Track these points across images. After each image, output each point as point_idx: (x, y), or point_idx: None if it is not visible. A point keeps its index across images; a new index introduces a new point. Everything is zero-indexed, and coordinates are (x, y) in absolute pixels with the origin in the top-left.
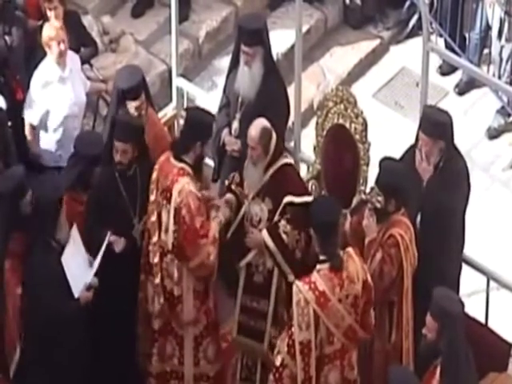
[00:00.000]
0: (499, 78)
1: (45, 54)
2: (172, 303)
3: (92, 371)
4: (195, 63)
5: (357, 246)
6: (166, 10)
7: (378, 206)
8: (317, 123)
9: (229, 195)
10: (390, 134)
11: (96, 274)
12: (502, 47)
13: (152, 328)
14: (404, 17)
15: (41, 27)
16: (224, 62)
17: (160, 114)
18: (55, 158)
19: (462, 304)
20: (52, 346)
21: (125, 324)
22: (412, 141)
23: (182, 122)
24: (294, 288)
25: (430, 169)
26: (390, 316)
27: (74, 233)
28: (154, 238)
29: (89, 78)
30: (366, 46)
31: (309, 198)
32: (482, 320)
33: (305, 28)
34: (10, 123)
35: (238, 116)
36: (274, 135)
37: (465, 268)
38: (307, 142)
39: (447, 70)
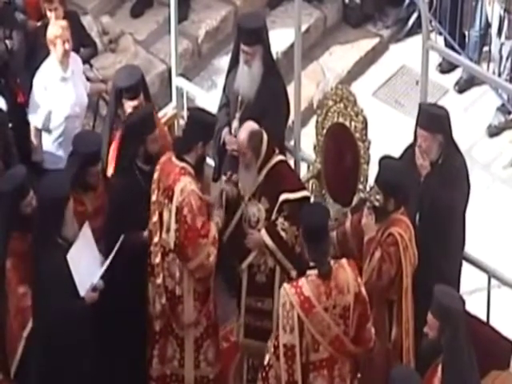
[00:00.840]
0: (499, 75)
1: (45, 56)
2: (173, 303)
3: (97, 371)
4: (195, 63)
5: (357, 244)
6: (165, 9)
7: (377, 204)
8: (317, 122)
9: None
10: (390, 133)
11: (104, 276)
12: (501, 45)
13: (153, 329)
14: (403, 15)
15: (41, 28)
16: (223, 61)
17: (160, 114)
18: (55, 160)
19: (463, 301)
20: (57, 344)
21: (133, 324)
22: (412, 139)
23: (182, 121)
24: (282, 290)
25: (426, 165)
26: (390, 315)
27: (86, 230)
28: (156, 239)
29: (88, 79)
30: (365, 45)
31: (304, 193)
32: (484, 318)
33: (304, 27)
34: (10, 125)
35: (237, 115)
36: (265, 136)
37: (466, 266)
38: (307, 140)
39: (447, 67)
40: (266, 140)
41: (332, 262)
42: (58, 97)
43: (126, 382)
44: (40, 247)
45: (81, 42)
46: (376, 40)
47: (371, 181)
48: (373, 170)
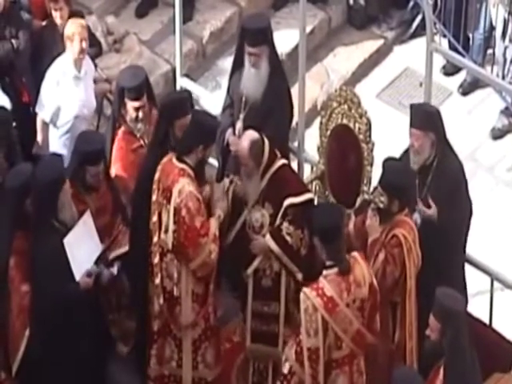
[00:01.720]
0: (503, 78)
1: (50, 55)
2: (171, 304)
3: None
4: (199, 63)
5: (361, 246)
6: (169, 9)
7: (381, 205)
8: (321, 123)
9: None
10: (393, 134)
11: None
12: (505, 47)
13: (151, 329)
14: (408, 17)
15: (45, 27)
16: (228, 62)
17: None
18: None
19: (465, 303)
20: (51, 325)
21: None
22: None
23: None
24: (302, 295)
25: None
26: (394, 316)
27: (87, 219)
28: (155, 239)
29: (94, 81)
30: (369, 47)
31: (308, 195)
32: (486, 320)
33: (309, 28)
34: (14, 124)
35: (241, 116)
36: (266, 142)
37: (469, 268)
38: (311, 142)
39: (451, 70)
40: (267, 146)
41: (347, 256)
42: (68, 94)
43: (123, 366)
44: (37, 230)
45: None
46: (380, 42)
47: (375, 182)
48: (376, 172)
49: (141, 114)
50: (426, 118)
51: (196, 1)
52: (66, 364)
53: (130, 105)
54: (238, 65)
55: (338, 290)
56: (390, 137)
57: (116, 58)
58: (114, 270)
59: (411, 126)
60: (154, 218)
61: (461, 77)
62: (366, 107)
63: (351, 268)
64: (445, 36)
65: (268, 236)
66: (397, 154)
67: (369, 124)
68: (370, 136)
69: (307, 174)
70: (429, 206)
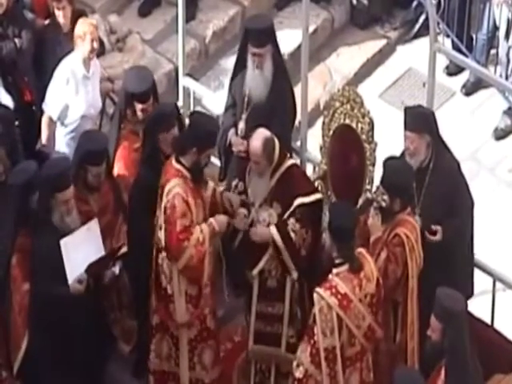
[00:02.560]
0: (506, 78)
1: (53, 55)
2: (166, 301)
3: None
4: (202, 63)
5: (363, 245)
6: (172, 9)
7: (384, 204)
8: (323, 123)
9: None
10: (396, 134)
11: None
12: (509, 48)
13: (150, 323)
14: (411, 17)
15: (48, 26)
16: (230, 61)
17: None
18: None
19: (466, 303)
20: (50, 327)
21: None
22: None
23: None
24: (316, 296)
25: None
26: (395, 316)
27: (93, 225)
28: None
29: None
30: (372, 46)
31: (318, 195)
32: (488, 321)
33: (311, 28)
34: (17, 123)
35: (244, 116)
36: (277, 142)
37: None
38: (313, 141)
39: (454, 70)
40: (278, 146)
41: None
42: (77, 94)
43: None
44: (36, 228)
45: None
46: (383, 42)
47: (377, 182)
48: (379, 172)
49: (144, 114)
50: (420, 120)
51: (199, 0)
52: (64, 363)
53: (137, 107)
54: (240, 65)
55: (351, 287)
56: (393, 137)
57: (119, 57)
58: (116, 269)
59: (406, 128)
60: (157, 214)
61: (464, 77)
62: (368, 107)
63: (362, 265)
64: (448, 36)
65: (273, 227)
66: (399, 154)
67: (371, 124)
68: (372, 136)
69: (310, 173)
70: (434, 233)
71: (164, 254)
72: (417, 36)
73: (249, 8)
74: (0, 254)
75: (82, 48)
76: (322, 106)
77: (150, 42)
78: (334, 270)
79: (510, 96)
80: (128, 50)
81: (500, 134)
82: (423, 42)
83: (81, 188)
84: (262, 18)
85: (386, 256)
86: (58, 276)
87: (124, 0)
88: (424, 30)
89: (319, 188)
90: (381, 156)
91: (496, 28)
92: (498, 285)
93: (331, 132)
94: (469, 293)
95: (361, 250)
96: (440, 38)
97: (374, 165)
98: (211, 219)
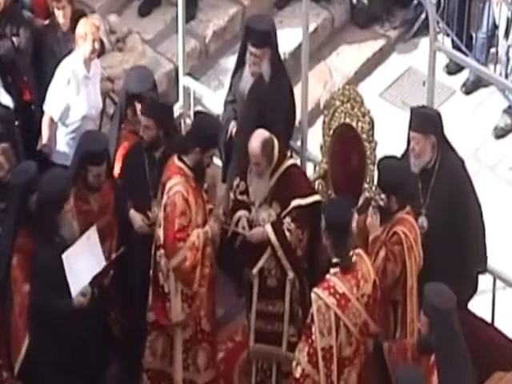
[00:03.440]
0: (506, 77)
1: (52, 54)
2: (162, 299)
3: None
4: (202, 62)
5: (362, 244)
6: (172, 8)
7: (382, 203)
8: (324, 122)
9: (216, 211)
10: (396, 133)
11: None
12: (508, 46)
13: (146, 320)
14: (411, 16)
15: (48, 26)
16: (231, 61)
17: None
18: (65, 156)
19: (455, 300)
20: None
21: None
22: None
23: (188, 121)
24: (313, 296)
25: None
26: (395, 315)
27: (92, 234)
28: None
29: None
30: (372, 46)
31: (315, 197)
32: (489, 319)
33: (312, 27)
34: (17, 123)
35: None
36: (276, 142)
37: None
38: (314, 141)
39: (454, 69)
40: (277, 145)
41: (351, 253)
42: (78, 94)
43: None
44: (38, 244)
45: None
46: (383, 41)
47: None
48: None
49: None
50: (426, 121)
51: (199, 0)
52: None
53: (138, 107)
54: (241, 63)
55: (348, 286)
56: (393, 136)
57: (119, 57)
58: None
59: (411, 129)
60: (156, 211)
61: (464, 76)
62: (368, 106)
63: (355, 264)
64: (448, 35)
65: (268, 225)
66: (399, 153)
67: (371, 123)
68: (372, 135)
69: (310, 173)
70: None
71: (162, 251)
72: (417, 35)
73: (249, 7)
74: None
75: (83, 48)
76: (322, 105)
77: (150, 42)
78: (332, 270)
79: (509, 95)
80: (128, 49)
81: (500, 133)
82: (423, 41)
83: (81, 188)
84: (263, 19)
85: (384, 255)
86: (60, 289)
87: (124, 0)
88: (424, 29)
89: (320, 187)
90: (381, 155)
91: (496, 27)
92: (499, 283)
93: (331, 131)
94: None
95: (359, 250)
96: (440, 36)
97: (374, 164)
98: (208, 226)
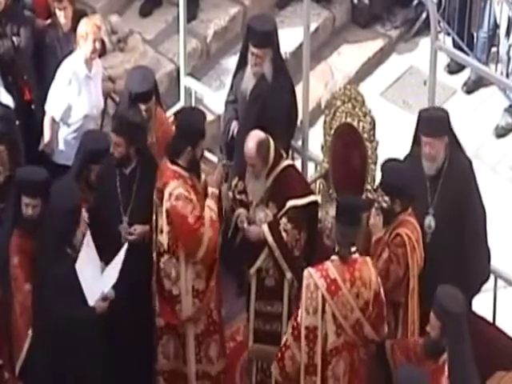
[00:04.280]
0: (507, 76)
1: (54, 55)
2: (171, 303)
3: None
4: (203, 62)
5: (364, 244)
6: (174, 9)
7: (385, 205)
8: (325, 122)
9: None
10: (397, 133)
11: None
12: (510, 46)
13: (156, 326)
14: (412, 15)
15: (49, 26)
16: (232, 61)
17: (168, 113)
18: (67, 156)
19: (466, 303)
20: (64, 353)
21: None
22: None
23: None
24: (305, 273)
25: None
26: (395, 316)
27: (88, 240)
28: (153, 237)
29: None
30: (373, 45)
31: (311, 198)
32: (490, 318)
33: (313, 27)
34: (17, 122)
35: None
36: (272, 142)
37: None
38: (315, 140)
39: (455, 68)
40: (272, 146)
41: (357, 254)
42: (80, 94)
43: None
44: (49, 256)
45: None
46: (384, 40)
47: (379, 180)
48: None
49: (148, 114)
50: (437, 124)
51: (200, 0)
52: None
53: (141, 107)
54: (243, 63)
55: (342, 276)
56: (394, 135)
57: (120, 57)
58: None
59: (423, 134)
60: (153, 217)
61: (465, 75)
62: (370, 106)
63: (355, 261)
64: (449, 34)
65: (265, 225)
66: (401, 153)
67: (373, 123)
68: (374, 135)
69: (311, 172)
70: None
71: (167, 256)
72: (418, 34)
73: (250, 7)
74: None
75: (85, 48)
76: (323, 105)
77: (151, 42)
78: (332, 257)
79: (510, 94)
80: (129, 50)
81: (501, 132)
82: (424, 41)
83: (83, 187)
84: (265, 19)
85: (387, 256)
86: (77, 299)
87: (125, 0)
88: (425, 29)
89: (321, 187)
90: (383, 154)
91: (497, 26)
92: (500, 282)
93: (333, 131)
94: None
95: (368, 258)
96: (441, 36)
97: (375, 163)
98: (209, 189)
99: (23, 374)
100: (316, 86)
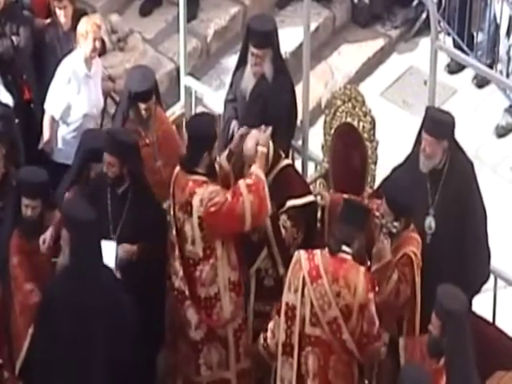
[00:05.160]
0: (507, 76)
1: (54, 54)
2: (210, 307)
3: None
4: (203, 62)
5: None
6: (174, 8)
7: (394, 231)
8: (325, 122)
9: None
10: (397, 133)
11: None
12: (509, 46)
13: (192, 340)
14: (412, 15)
15: (49, 26)
16: (232, 60)
17: (168, 113)
18: (66, 155)
19: (467, 303)
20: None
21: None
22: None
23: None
24: (296, 253)
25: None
26: (399, 327)
27: None
28: (176, 252)
29: None
30: (373, 45)
31: (310, 198)
32: (490, 318)
33: (313, 26)
34: (17, 121)
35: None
36: (271, 142)
37: None
38: (315, 140)
39: (455, 68)
40: (272, 146)
41: (351, 258)
42: (79, 92)
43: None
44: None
45: None
46: (384, 40)
47: (379, 180)
48: (380, 171)
49: (148, 114)
50: (440, 127)
51: None
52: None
53: (141, 106)
54: (243, 63)
55: (325, 266)
56: (395, 135)
57: (120, 56)
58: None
59: (424, 130)
60: (174, 232)
61: (465, 75)
62: (370, 105)
63: (342, 261)
64: (449, 34)
65: (267, 219)
66: (401, 152)
67: (373, 122)
68: (374, 134)
69: (311, 172)
70: None
71: (202, 264)
72: (418, 34)
73: (250, 7)
74: None
75: (84, 47)
76: (323, 105)
77: (151, 42)
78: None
79: (510, 94)
80: (129, 49)
81: (501, 132)
82: (424, 41)
83: (83, 187)
84: (265, 19)
85: (397, 278)
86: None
87: None
88: (425, 29)
89: (321, 187)
90: (383, 154)
91: (497, 26)
92: (500, 282)
93: (333, 130)
94: (484, 279)
95: (362, 267)
96: (441, 36)
97: (375, 163)
98: (258, 147)
99: (23, 373)
100: (316, 86)
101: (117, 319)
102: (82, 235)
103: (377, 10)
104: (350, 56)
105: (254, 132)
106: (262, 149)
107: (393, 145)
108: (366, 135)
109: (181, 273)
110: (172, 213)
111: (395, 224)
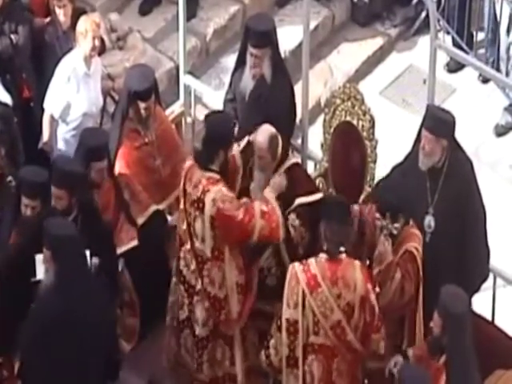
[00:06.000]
0: (507, 75)
1: (53, 53)
2: (218, 307)
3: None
4: (203, 61)
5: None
6: (173, 7)
7: (395, 232)
8: (324, 120)
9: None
10: (397, 132)
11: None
12: (509, 44)
13: (197, 336)
14: (411, 14)
15: (48, 24)
16: (231, 59)
17: (167, 112)
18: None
19: (469, 304)
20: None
21: None
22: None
23: (189, 119)
24: (290, 267)
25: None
26: (401, 327)
27: None
28: (187, 246)
29: None
30: (373, 44)
31: (319, 195)
32: (489, 317)
33: (312, 25)
34: (16, 120)
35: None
36: (280, 139)
37: None
38: (314, 139)
39: (454, 67)
40: (281, 142)
41: (345, 255)
42: (79, 91)
43: None
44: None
45: None
46: (384, 39)
47: (378, 180)
48: (379, 170)
49: (147, 112)
50: (441, 125)
51: None
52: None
53: (140, 105)
54: (242, 62)
55: (322, 273)
56: (394, 134)
57: (119, 55)
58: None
59: (425, 127)
60: (184, 227)
61: (464, 73)
62: (369, 104)
63: (339, 261)
64: (448, 33)
65: None
66: (400, 151)
67: (372, 121)
68: (373, 133)
69: (311, 171)
70: None
71: (211, 262)
72: (417, 33)
73: (250, 6)
74: None
75: (84, 45)
76: (322, 104)
77: (150, 41)
78: (319, 254)
79: (510, 92)
80: (128, 48)
81: (501, 131)
82: (424, 39)
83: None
84: (263, 19)
85: (401, 276)
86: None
87: None
88: (424, 27)
89: (320, 185)
90: (382, 153)
91: (497, 24)
92: (499, 281)
93: (332, 129)
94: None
95: (357, 261)
96: (440, 34)
97: (374, 162)
98: (271, 181)
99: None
100: (315, 85)
101: (105, 329)
102: (65, 251)
103: (376, 9)
104: (349, 55)
105: (265, 127)
106: (270, 194)
107: (392, 143)
108: (365, 134)
109: (193, 266)
110: (182, 207)
111: (396, 225)
